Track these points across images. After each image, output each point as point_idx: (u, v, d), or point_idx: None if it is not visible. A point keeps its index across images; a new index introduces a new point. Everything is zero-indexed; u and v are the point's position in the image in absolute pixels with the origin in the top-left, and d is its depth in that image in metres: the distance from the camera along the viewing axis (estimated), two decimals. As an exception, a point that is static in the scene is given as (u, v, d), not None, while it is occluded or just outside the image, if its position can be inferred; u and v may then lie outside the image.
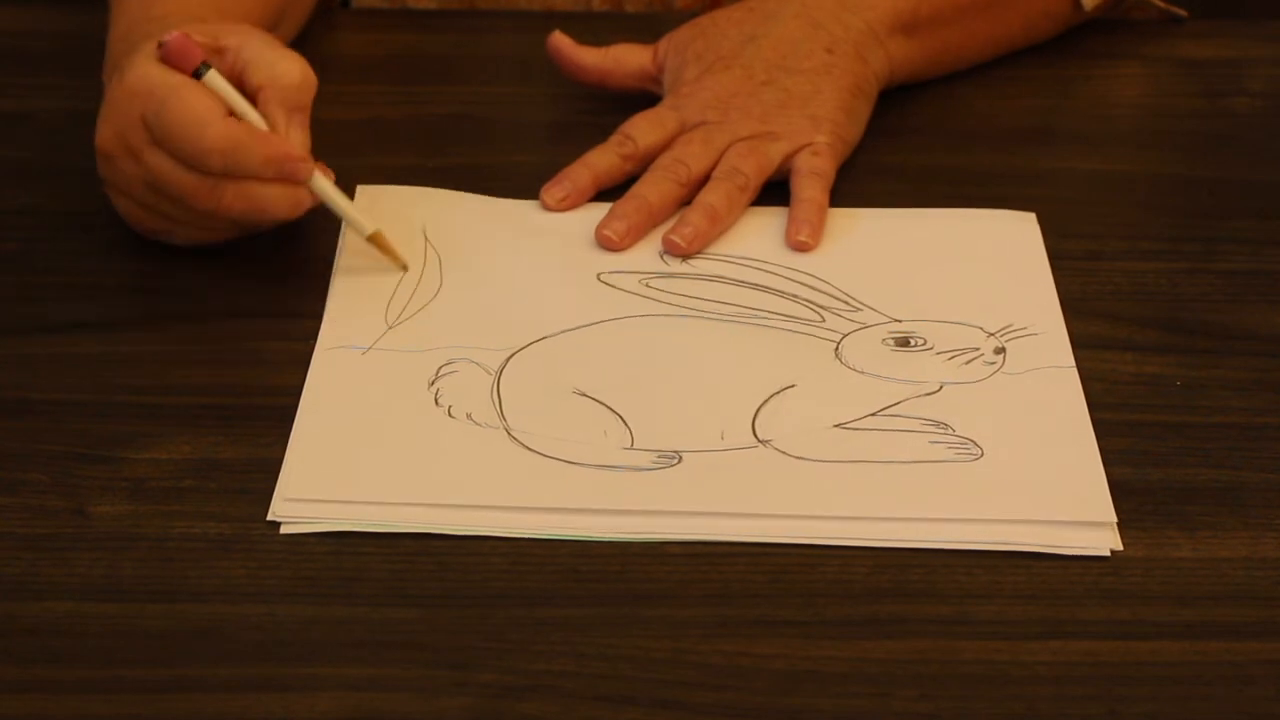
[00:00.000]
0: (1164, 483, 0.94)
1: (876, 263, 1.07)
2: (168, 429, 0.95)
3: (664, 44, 1.18)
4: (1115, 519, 0.91)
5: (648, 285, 1.05)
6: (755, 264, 1.06)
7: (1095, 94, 1.25)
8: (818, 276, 1.05)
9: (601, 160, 1.11)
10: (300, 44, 1.24)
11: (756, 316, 1.03)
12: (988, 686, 0.84)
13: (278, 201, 1.01)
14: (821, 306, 1.03)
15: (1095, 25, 1.28)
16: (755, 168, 1.09)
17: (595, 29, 1.23)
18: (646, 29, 1.22)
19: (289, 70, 1.02)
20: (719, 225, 1.08)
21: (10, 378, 0.99)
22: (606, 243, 1.07)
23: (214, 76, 1.01)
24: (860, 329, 1.02)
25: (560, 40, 1.19)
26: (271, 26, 1.14)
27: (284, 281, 1.05)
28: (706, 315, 1.03)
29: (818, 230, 1.08)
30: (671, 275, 1.05)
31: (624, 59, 1.18)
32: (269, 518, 0.90)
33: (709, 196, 1.08)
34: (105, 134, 1.03)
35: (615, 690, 0.83)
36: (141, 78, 1.00)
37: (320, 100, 1.20)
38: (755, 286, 1.05)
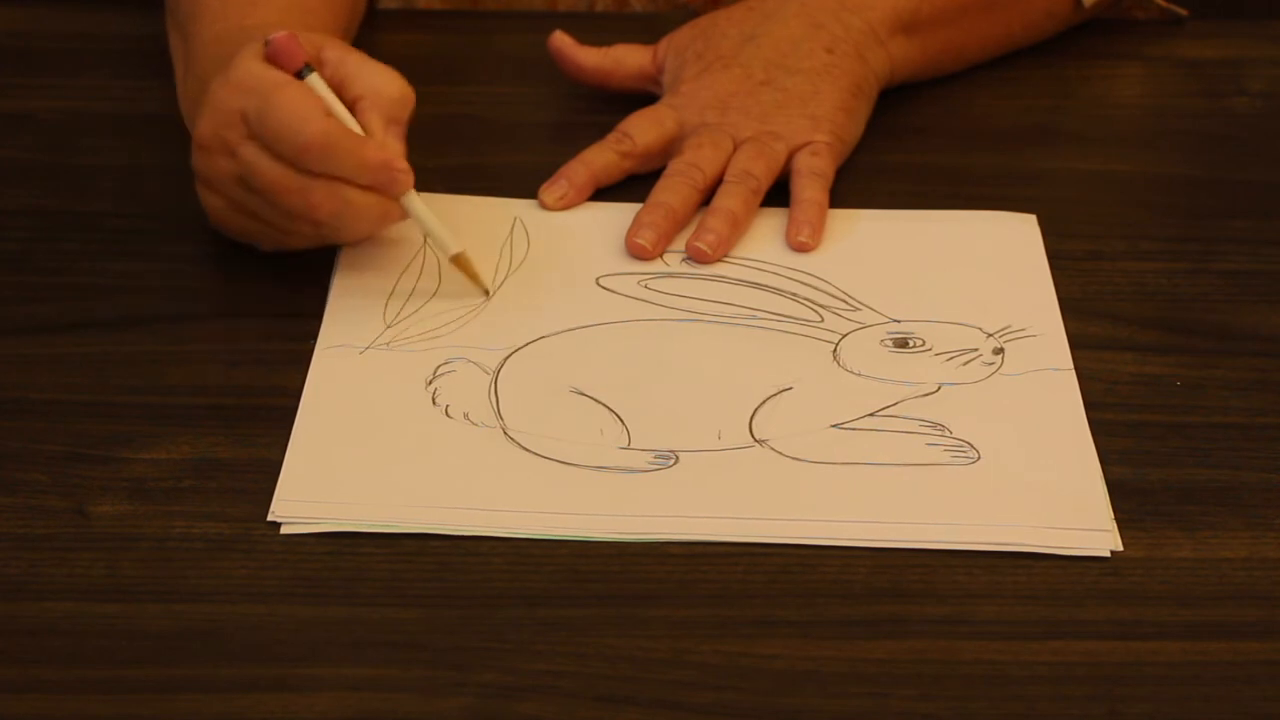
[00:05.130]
0: (1164, 483, 0.94)
1: (876, 263, 1.07)
2: (168, 429, 0.95)
3: (664, 44, 1.18)
4: (1113, 525, 0.91)
5: (647, 286, 1.05)
6: (755, 264, 1.06)
7: (1095, 94, 1.25)
8: (817, 276, 1.05)
9: (599, 158, 1.11)
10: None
11: (756, 316, 1.03)
12: (988, 686, 0.84)
13: (367, 209, 1.00)
14: (821, 306, 1.03)
15: (1095, 25, 1.28)
16: (765, 169, 1.09)
17: (597, 29, 1.23)
18: (648, 29, 1.22)
19: (389, 83, 1.02)
20: (740, 229, 1.08)
21: (10, 378, 0.99)
22: (640, 251, 1.06)
23: (316, 79, 1.01)
24: (859, 329, 1.02)
25: (561, 40, 1.19)
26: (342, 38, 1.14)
27: (284, 281, 1.05)
28: (706, 317, 1.03)
29: (818, 231, 1.08)
30: (671, 275, 1.05)
31: (624, 59, 1.18)
32: (269, 518, 0.90)
33: (727, 201, 1.08)
34: (204, 128, 1.01)
35: (615, 690, 0.83)
36: (246, 74, 1.00)
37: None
38: (755, 286, 1.05)
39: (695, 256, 1.06)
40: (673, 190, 1.09)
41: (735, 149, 1.10)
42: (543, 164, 1.13)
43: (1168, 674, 0.85)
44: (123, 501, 0.91)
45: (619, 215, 1.09)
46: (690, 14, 1.21)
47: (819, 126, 1.12)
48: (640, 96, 1.18)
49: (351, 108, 1.02)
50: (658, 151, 1.11)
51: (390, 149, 1.01)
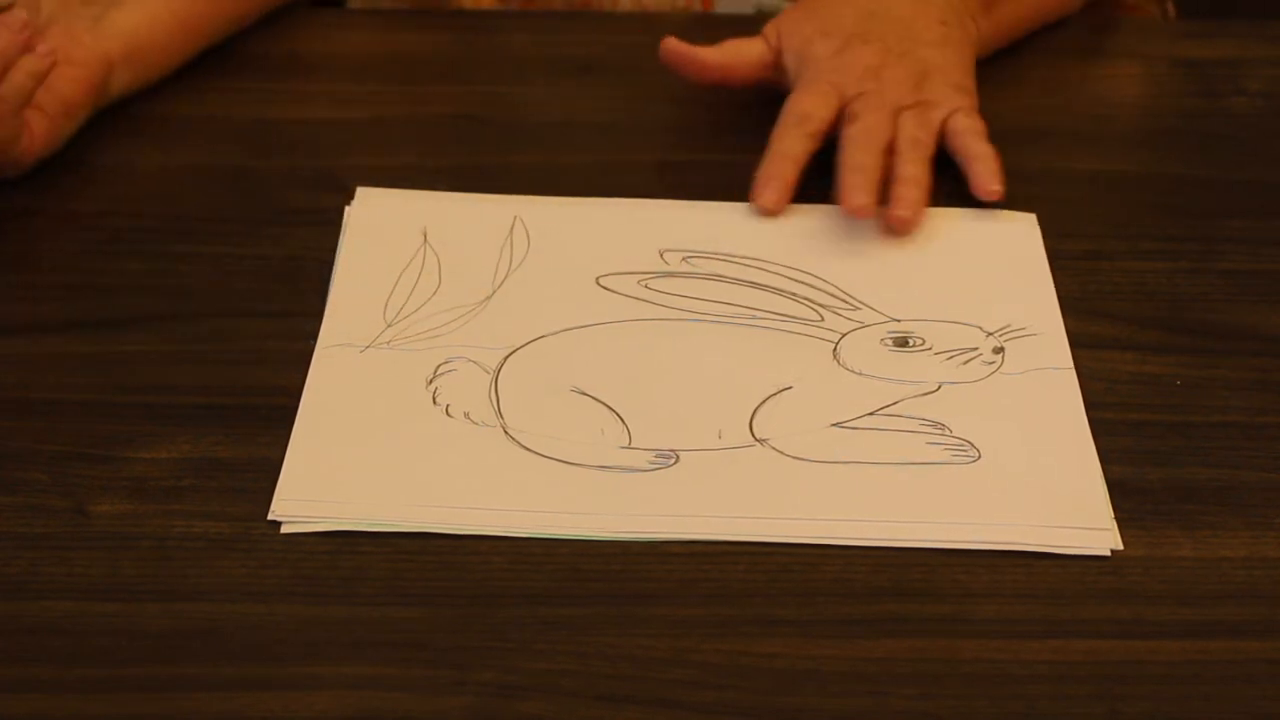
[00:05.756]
0: (1164, 483, 0.94)
1: (876, 262, 1.07)
2: (168, 429, 0.95)
3: (772, 29, 1.19)
4: (1113, 524, 0.91)
5: (647, 286, 1.05)
6: (755, 263, 1.06)
7: (1095, 94, 1.25)
8: (818, 275, 1.05)
9: (795, 146, 1.11)
10: (301, 43, 1.24)
11: (756, 316, 1.03)
12: (988, 686, 0.84)
13: None
14: (821, 305, 1.03)
15: (1095, 25, 1.28)
16: (930, 135, 1.12)
17: (597, 28, 1.23)
18: (648, 28, 1.22)
19: None
20: (928, 194, 1.10)
21: (10, 378, 0.99)
22: (860, 213, 1.07)
23: None
24: (859, 328, 1.02)
25: (676, 44, 1.17)
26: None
27: (284, 281, 1.05)
28: (706, 317, 1.03)
29: (1002, 180, 1.11)
30: (671, 275, 1.06)
31: (743, 51, 1.19)
32: (269, 517, 0.90)
33: (909, 169, 1.10)
34: None
35: (615, 690, 0.83)
36: None
37: (320, 100, 1.20)
38: (755, 285, 1.05)
39: (898, 227, 1.08)
40: (864, 152, 1.10)
41: (898, 116, 1.12)
42: (543, 164, 1.13)
43: (1168, 673, 0.85)
44: (123, 501, 0.91)
45: (618, 214, 1.09)
46: (681, 15, 1.21)
47: (961, 93, 1.15)
48: (645, 95, 1.17)
49: None
50: (832, 127, 1.13)
51: None
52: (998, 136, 1.18)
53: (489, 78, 1.23)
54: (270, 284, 1.05)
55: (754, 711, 0.82)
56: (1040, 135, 1.20)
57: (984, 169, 1.11)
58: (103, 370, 0.99)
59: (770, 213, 1.10)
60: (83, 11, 1.13)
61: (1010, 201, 1.12)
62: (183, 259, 1.07)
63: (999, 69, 1.24)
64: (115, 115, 1.18)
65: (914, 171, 1.10)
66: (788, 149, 1.11)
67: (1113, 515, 0.92)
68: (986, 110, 1.19)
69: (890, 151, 1.11)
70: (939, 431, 0.96)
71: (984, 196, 1.10)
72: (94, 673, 0.84)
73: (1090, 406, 0.97)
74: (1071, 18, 1.29)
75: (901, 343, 1.01)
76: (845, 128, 1.11)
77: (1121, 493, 0.93)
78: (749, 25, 1.19)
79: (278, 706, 0.82)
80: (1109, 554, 0.90)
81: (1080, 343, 1.02)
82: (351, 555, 0.89)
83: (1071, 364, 1.00)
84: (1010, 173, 1.15)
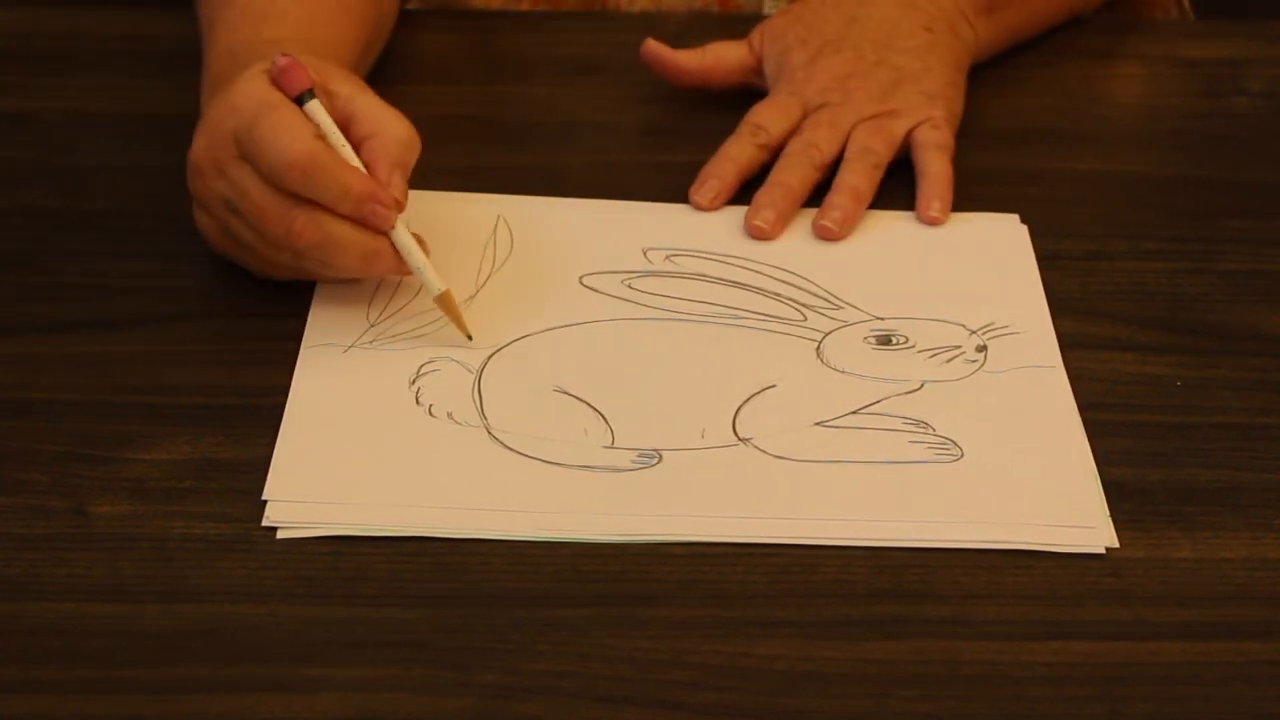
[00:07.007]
0: (1164, 483, 0.94)
1: (859, 262, 1.07)
2: (168, 429, 0.95)
3: (758, 34, 1.19)
4: (1108, 521, 0.91)
5: (630, 286, 1.05)
6: (739, 262, 1.06)
7: (1095, 94, 1.25)
8: (801, 275, 1.05)
9: (741, 152, 1.12)
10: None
11: (739, 316, 1.03)
12: (988, 686, 0.84)
13: (349, 244, 0.98)
14: (804, 305, 1.03)
15: (1095, 25, 1.28)
16: (885, 144, 1.11)
17: (598, 28, 1.23)
18: (651, 27, 1.22)
19: (397, 124, 1.00)
20: (863, 204, 1.09)
21: (10, 378, 0.99)
22: (758, 233, 1.08)
23: (316, 106, 0.99)
24: (842, 327, 1.02)
25: (656, 47, 1.18)
26: (360, 54, 1.14)
27: (284, 282, 1.05)
28: (689, 316, 1.03)
29: (948, 204, 1.10)
30: (654, 275, 1.05)
31: (724, 55, 1.19)
32: (265, 523, 0.90)
33: (850, 178, 1.10)
34: (198, 146, 1.01)
35: (615, 690, 0.83)
36: (244, 94, 0.98)
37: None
38: (738, 285, 1.05)
39: (823, 235, 1.08)
40: (791, 170, 1.10)
41: (853, 128, 1.12)
42: (544, 164, 1.13)
43: (1168, 674, 0.85)
44: (123, 501, 0.91)
45: (602, 213, 1.10)
46: (697, 11, 1.21)
47: (934, 103, 1.14)
48: (646, 101, 1.17)
49: (357, 146, 0.99)
50: (788, 139, 1.12)
51: (386, 184, 0.98)
52: (998, 136, 1.19)
53: (490, 78, 1.23)
54: (270, 284, 1.04)
55: (754, 713, 0.82)
56: (1041, 135, 1.20)
57: (929, 189, 1.10)
58: (103, 370, 0.99)
59: (703, 208, 1.10)
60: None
61: (1010, 202, 1.12)
62: (183, 259, 1.07)
63: (1000, 69, 1.24)
64: (115, 116, 1.18)
65: (852, 180, 1.10)
66: (734, 154, 1.12)
67: (1108, 513, 0.92)
68: (987, 110, 1.20)
69: (830, 166, 1.11)
70: (922, 430, 0.96)
71: (922, 219, 1.10)
72: (94, 673, 0.84)
73: (1091, 407, 0.97)
74: (1081, 17, 1.29)
75: (884, 341, 1.01)
76: (790, 141, 1.12)
77: (1121, 493, 0.93)
78: (751, 26, 1.19)
79: (279, 708, 0.82)
80: (1104, 551, 0.90)
81: (1081, 343, 1.02)
82: (352, 557, 0.89)
83: (1059, 362, 1.00)
84: (1010, 173, 1.15)
